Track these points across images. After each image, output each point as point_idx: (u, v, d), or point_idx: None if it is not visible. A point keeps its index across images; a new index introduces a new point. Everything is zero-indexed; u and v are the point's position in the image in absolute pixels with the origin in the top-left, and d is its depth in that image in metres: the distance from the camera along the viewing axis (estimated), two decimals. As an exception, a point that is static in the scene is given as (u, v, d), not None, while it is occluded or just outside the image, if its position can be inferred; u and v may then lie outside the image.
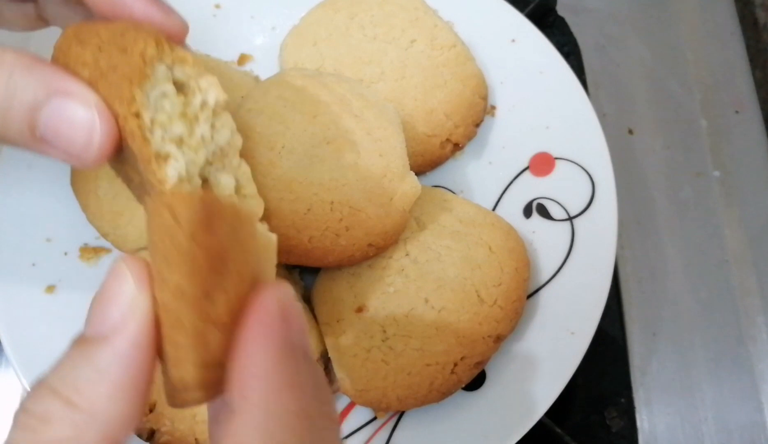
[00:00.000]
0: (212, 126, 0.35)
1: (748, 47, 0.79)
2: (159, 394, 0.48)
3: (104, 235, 0.54)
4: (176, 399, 0.28)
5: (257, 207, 0.39)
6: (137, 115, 0.31)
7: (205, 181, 0.35)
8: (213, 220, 0.27)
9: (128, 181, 0.38)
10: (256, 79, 0.61)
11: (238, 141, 0.37)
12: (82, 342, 0.27)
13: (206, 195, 0.26)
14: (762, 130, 0.75)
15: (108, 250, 0.56)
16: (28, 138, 0.33)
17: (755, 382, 0.64)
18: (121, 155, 0.35)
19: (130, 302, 0.27)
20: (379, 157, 0.50)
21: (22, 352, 0.52)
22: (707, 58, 0.79)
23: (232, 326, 0.27)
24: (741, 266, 0.68)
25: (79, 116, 0.32)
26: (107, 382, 0.26)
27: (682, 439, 0.62)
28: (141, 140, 0.31)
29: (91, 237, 0.56)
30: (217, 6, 0.64)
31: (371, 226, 0.49)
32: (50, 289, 0.54)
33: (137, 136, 0.31)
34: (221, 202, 0.27)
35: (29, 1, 0.46)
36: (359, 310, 0.51)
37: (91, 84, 0.33)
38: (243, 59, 0.64)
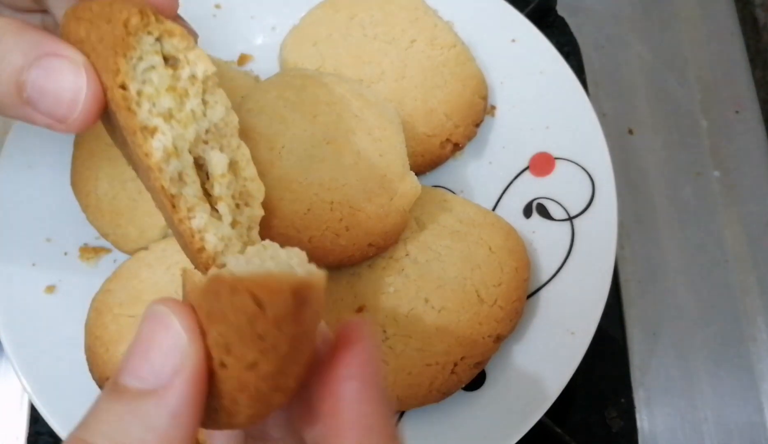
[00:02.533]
0: (205, 102, 0.35)
1: (748, 47, 0.79)
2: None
3: (104, 235, 0.54)
4: (213, 427, 0.27)
5: (257, 191, 0.38)
6: (123, 87, 0.31)
7: (197, 159, 0.35)
8: (301, 310, 0.25)
9: (132, 164, 0.38)
10: (256, 79, 0.61)
11: (234, 119, 0.36)
12: (124, 393, 0.25)
13: (298, 283, 0.24)
14: (762, 130, 0.75)
15: (108, 250, 0.56)
16: (15, 99, 0.32)
17: (755, 382, 0.64)
18: (120, 136, 0.35)
19: (180, 354, 0.25)
20: (379, 157, 0.50)
21: (22, 352, 0.52)
22: (707, 58, 0.79)
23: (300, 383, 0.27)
24: (741, 266, 0.68)
25: (67, 75, 0.31)
26: (161, 442, 0.24)
27: (682, 439, 0.62)
28: (126, 112, 0.31)
29: (91, 237, 0.56)
30: (217, 6, 0.64)
31: (371, 226, 0.49)
32: (50, 289, 0.54)
33: (122, 108, 0.31)
34: (311, 285, 0.25)
35: (36, 12, 0.45)
36: (359, 310, 0.51)
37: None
38: (243, 59, 0.64)
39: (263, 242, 0.35)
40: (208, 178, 0.36)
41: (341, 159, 0.49)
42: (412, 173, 0.51)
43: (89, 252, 0.56)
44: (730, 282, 0.68)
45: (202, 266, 0.34)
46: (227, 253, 0.34)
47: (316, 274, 0.26)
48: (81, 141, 0.56)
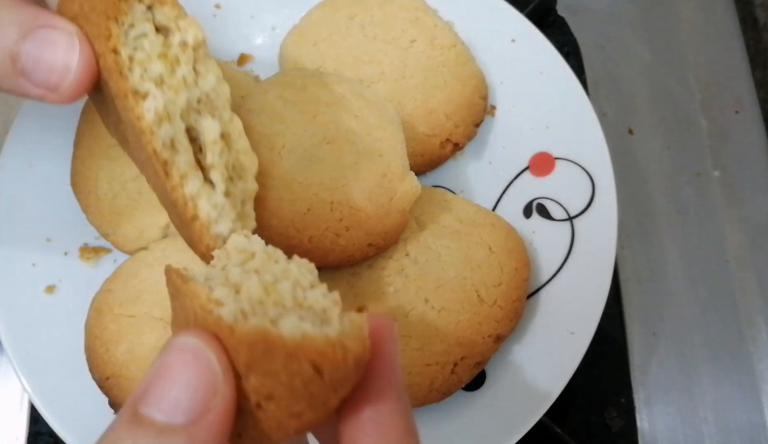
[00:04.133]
0: (196, 71, 0.35)
1: (748, 47, 0.79)
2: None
3: (104, 235, 0.54)
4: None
5: (250, 163, 0.39)
6: (114, 51, 0.31)
7: (190, 130, 0.35)
8: (358, 373, 0.26)
9: (127, 148, 0.38)
10: (256, 79, 0.61)
11: (226, 90, 0.37)
12: (147, 425, 0.24)
13: (361, 352, 0.25)
14: (762, 130, 0.75)
15: (108, 250, 0.56)
16: (9, 71, 0.33)
17: (755, 382, 0.64)
18: (114, 114, 0.35)
19: (213, 391, 0.24)
20: (379, 157, 0.50)
21: (22, 352, 0.52)
22: (707, 58, 0.79)
23: None
24: (741, 266, 0.68)
25: (60, 45, 0.32)
26: None
27: (682, 439, 0.62)
28: (117, 75, 0.31)
29: (91, 237, 0.56)
30: (217, 6, 0.64)
31: (371, 226, 0.49)
32: (50, 289, 0.54)
33: (114, 72, 0.31)
34: (366, 347, 0.25)
35: None
36: (359, 310, 0.51)
37: None
38: (243, 59, 0.64)
39: (266, 247, 0.34)
40: (201, 151, 0.36)
41: (341, 159, 0.49)
42: (412, 173, 0.51)
43: (89, 252, 0.56)
44: (730, 282, 0.68)
45: (197, 237, 0.34)
46: (221, 223, 0.35)
47: (359, 322, 0.26)
48: (81, 141, 0.56)
